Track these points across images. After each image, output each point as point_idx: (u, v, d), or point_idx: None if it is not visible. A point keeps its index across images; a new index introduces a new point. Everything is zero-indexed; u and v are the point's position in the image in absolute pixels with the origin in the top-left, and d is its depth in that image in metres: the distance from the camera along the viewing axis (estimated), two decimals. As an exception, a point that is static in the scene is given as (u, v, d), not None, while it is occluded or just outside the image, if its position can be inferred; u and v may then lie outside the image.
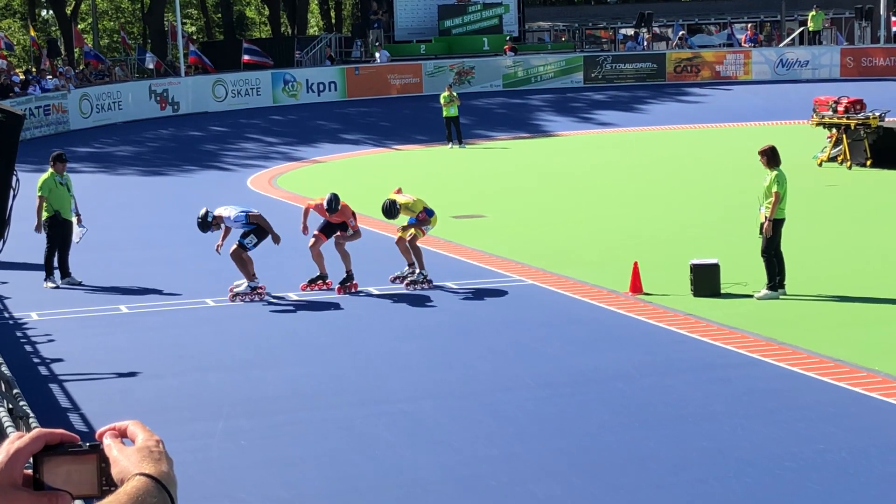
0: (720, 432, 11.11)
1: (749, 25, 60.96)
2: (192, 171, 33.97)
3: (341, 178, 31.44)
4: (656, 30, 61.42)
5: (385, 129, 42.91)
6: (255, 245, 17.17)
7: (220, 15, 73.41)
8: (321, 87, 50.05)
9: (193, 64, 49.98)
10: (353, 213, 17.64)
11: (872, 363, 13.10)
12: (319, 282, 17.76)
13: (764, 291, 16.14)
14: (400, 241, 17.94)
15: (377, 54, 51.16)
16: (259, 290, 17.17)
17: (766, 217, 16.19)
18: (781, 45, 57.99)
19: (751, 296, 16.24)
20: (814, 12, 57.31)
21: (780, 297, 16.12)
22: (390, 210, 17.78)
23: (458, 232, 22.48)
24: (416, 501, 9.89)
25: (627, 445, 10.83)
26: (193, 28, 76.22)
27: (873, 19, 59.09)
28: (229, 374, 13.64)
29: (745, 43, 58.72)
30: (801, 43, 57.54)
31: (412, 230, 17.88)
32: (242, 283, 17.14)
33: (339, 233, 17.65)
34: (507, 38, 54.07)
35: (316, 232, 17.68)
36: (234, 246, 17.05)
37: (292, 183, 30.90)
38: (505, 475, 10.11)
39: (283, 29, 70.32)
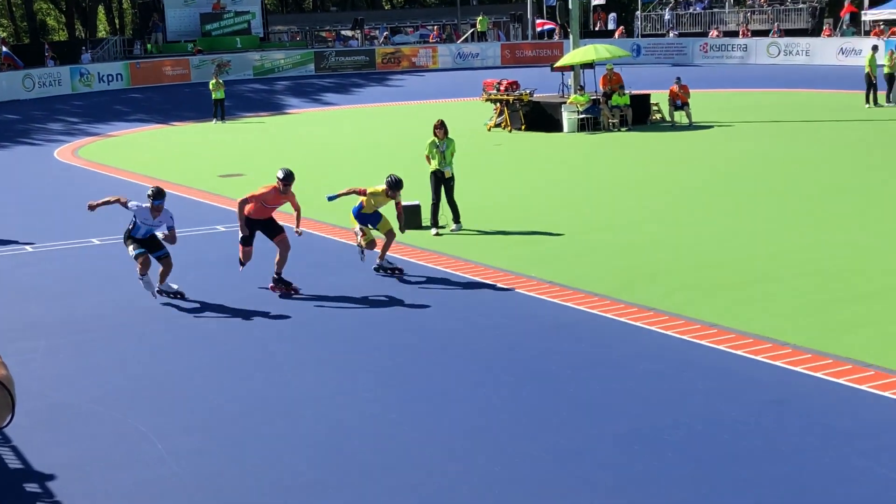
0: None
1: (435, 27, 61.68)
2: (8, 146, 32.45)
3: (131, 149, 30.70)
4: (368, 31, 61.51)
5: (164, 109, 41.91)
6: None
7: (25, 23, 70.73)
8: (110, 77, 49.19)
9: (7, 62, 48.48)
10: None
11: (528, 269, 13.55)
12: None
13: (455, 226, 16.44)
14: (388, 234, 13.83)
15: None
16: None
17: (451, 173, 16.41)
18: (459, 41, 58.82)
19: (444, 227, 16.54)
20: (481, 17, 58.89)
21: (460, 230, 16.41)
22: (399, 183, 13.76)
23: (224, 187, 22.21)
24: (184, 388, 9.80)
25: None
26: (5, 33, 72.43)
27: (523, 22, 60.94)
28: (48, 302, 13.22)
29: (432, 40, 59.34)
30: (473, 40, 58.50)
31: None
32: None
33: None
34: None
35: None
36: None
37: (91, 154, 29.86)
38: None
39: (77, 33, 68.01)
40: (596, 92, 31.17)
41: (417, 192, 17.20)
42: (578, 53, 31.11)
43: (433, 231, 16.35)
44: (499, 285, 12.96)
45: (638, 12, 60.05)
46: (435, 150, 16.37)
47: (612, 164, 23.52)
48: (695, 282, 12.84)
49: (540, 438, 8.31)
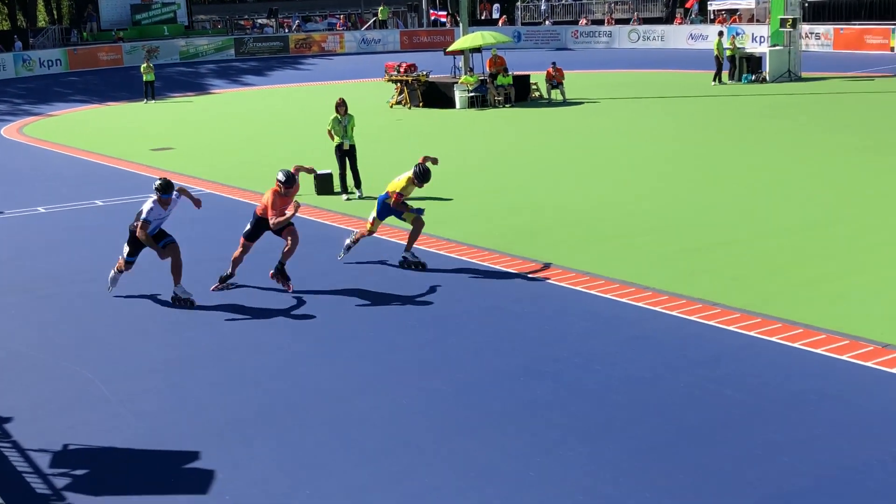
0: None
1: (342, 16, 60.95)
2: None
3: (71, 127, 29.85)
4: (282, 20, 60.52)
5: (100, 90, 40.72)
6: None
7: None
8: (50, 63, 47.56)
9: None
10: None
11: (436, 230, 13.59)
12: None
13: (358, 193, 16.36)
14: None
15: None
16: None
17: (349, 145, 16.29)
18: (363, 29, 58.23)
19: (354, 193, 16.48)
20: (382, 7, 58.24)
21: (362, 196, 16.30)
22: (427, 174, 11.65)
23: (156, 159, 21.77)
24: (128, 340, 9.67)
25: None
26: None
27: (419, 12, 60.46)
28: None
29: (339, 27, 58.63)
30: (375, 28, 57.97)
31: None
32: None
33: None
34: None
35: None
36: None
37: (35, 131, 28.97)
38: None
39: (18, 22, 65.76)
40: (483, 73, 31.19)
41: (329, 162, 17.10)
42: (467, 39, 31.10)
43: (343, 197, 16.30)
44: (394, 240, 12.98)
45: (518, 3, 60.26)
46: (338, 126, 16.28)
47: (498, 136, 23.63)
48: (571, 237, 13.01)
49: (442, 374, 8.41)
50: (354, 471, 6.75)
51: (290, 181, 10.85)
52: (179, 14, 55.88)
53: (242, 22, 61.49)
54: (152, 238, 10.58)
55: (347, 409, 7.79)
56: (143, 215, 10.44)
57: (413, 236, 11.77)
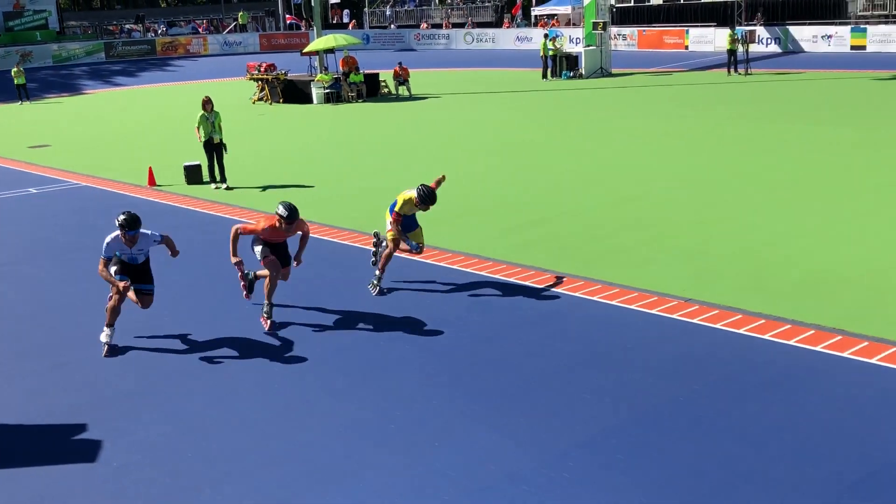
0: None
1: (205, 21, 59.25)
2: None
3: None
4: (148, 25, 58.39)
5: (-26, 93, 38.50)
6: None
7: None
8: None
9: None
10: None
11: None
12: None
13: (224, 184, 15.94)
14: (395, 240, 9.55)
15: None
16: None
17: (219, 139, 15.89)
18: (225, 32, 56.78)
19: (221, 185, 16.11)
20: (242, 13, 56.95)
21: (227, 187, 15.92)
22: (432, 196, 9.40)
23: (34, 156, 20.71)
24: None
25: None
26: None
27: (276, 16, 59.34)
28: None
29: (202, 31, 56.99)
30: (236, 31, 56.64)
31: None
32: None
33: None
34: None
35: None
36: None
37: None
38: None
39: None
40: (337, 72, 30.91)
41: (196, 154, 16.67)
42: (321, 41, 30.75)
43: (212, 186, 15.95)
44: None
45: (366, 9, 59.87)
46: (206, 122, 15.84)
47: (352, 128, 23.46)
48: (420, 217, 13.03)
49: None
50: (234, 434, 6.65)
51: (292, 216, 8.48)
52: (51, 21, 53.16)
53: (111, 27, 59.04)
54: (125, 266, 8.35)
55: (223, 377, 7.65)
56: (102, 249, 8.20)
57: (387, 259, 9.62)
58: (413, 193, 9.38)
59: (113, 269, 8.27)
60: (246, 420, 6.84)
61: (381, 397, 7.11)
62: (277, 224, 8.54)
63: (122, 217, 8.17)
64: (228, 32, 56.54)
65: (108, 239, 8.22)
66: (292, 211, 8.50)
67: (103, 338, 8.31)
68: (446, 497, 5.68)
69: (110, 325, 8.31)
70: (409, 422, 6.67)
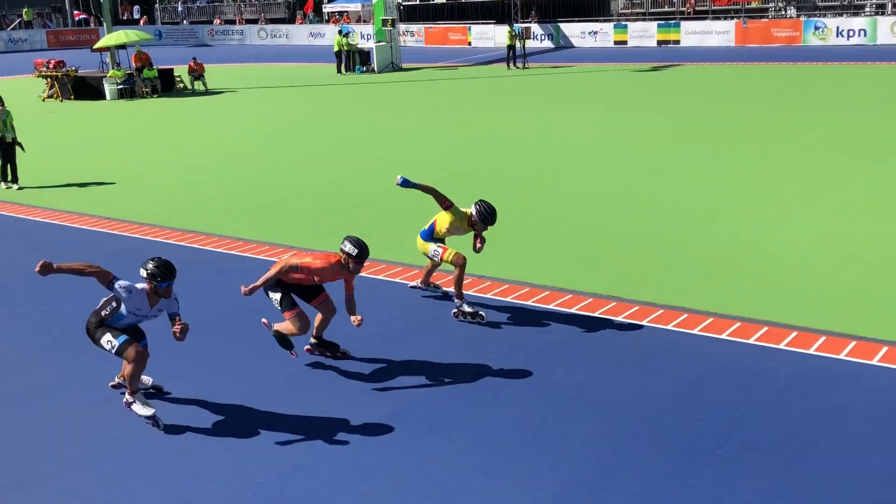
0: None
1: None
2: None
3: None
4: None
5: None
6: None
7: None
8: None
9: None
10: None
11: (100, 209, 12.63)
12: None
13: (15, 185, 14.79)
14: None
15: None
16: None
17: (11, 138, 14.70)
18: (9, 29, 52.74)
19: (12, 185, 14.91)
20: (26, 9, 53.20)
21: (18, 188, 14.70)
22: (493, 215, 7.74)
23: None
24: None
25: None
26: None
27: (64, 12, 55.95)
28: None
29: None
30: (21, 28, 52.75)
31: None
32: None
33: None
34: None
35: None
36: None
37: None
38: None
39: None
40: (130, 67, 29.45)
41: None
42: (112, 37, 29.26)
43: (3, 185, 14.83)
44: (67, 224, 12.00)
45: (157, 4, 57.35)
46: (-3, 121, 14.68)
47: (148, 123, 22.41)
48: (234, 206, 12.65)
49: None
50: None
51: (363, 255, 6.61)
52: None
53: None
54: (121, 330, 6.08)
55: (25, 379, 7.12)
56: (105, 312, 6.02)
57: (429, 274, 8.43)
58: (468, 210, 7.75)
59: (106, 336, 5.98)
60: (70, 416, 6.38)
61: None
62: (343, 262, 6.61)
63: (151, 265, 5.79)
64: (12, 29, 52.51)
65: (127, 287, 5.82)
66: (363, 248, 6.57)
67: (145, 411, 5.98)
68: None
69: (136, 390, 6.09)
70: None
